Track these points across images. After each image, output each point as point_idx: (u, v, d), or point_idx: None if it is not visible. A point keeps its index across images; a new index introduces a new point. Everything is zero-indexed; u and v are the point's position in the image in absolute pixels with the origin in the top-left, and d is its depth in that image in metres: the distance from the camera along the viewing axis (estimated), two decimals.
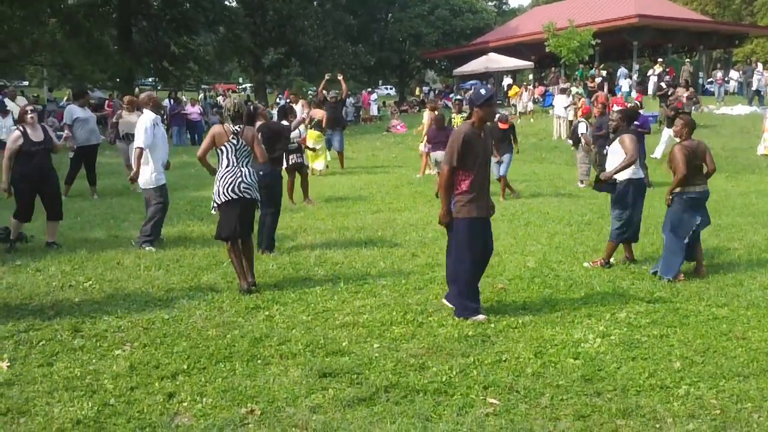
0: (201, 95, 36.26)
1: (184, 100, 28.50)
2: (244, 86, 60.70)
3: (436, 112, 14.77)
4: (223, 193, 6.39)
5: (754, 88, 27.90)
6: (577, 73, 30.06)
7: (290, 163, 11.25)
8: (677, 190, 6.91)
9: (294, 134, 11.18)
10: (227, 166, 6.45)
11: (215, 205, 6.52)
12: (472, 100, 5.65)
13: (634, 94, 25.49)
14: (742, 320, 5.67)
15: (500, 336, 5.29)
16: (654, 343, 5.12)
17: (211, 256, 7.85)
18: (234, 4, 38.40)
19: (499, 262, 7.60)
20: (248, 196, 6.49)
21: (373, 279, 6.90)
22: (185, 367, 4.65)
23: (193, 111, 25.66)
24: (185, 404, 4.10)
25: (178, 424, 3.87)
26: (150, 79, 45.60)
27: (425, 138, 14.46)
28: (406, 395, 4.22)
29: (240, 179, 6.42)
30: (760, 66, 29.90)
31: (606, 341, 5.15)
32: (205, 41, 37.30)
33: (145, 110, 8.45)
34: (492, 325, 5.50)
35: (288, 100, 25.58)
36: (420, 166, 15.73)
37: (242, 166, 6.49)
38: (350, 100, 29.93)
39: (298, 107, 15.78)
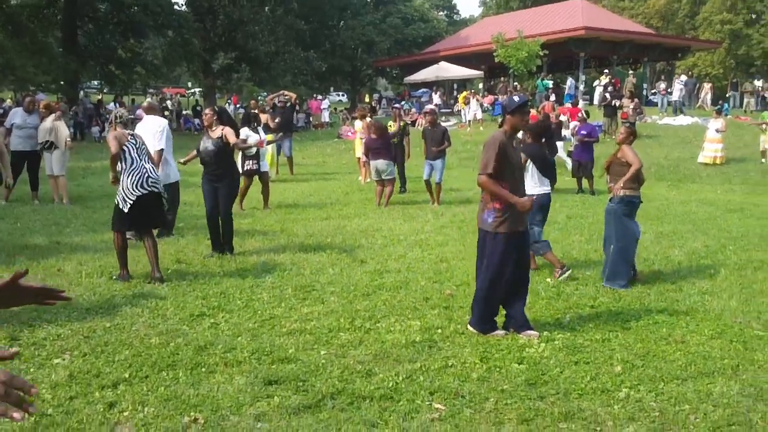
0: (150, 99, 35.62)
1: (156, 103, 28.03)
2: (192, 91, 59.90)
3: (368, 119, 14.96)
4: (134, 188, 6.72)
5: (674, 98, 28.70)
6: (537, 83, 30.52)
7: (245, 169, 11.23)
8: (626, 192, 7.03)
9: (252, 139, 11.19)
10: (130, 165, 6.81)
11: (130, 201, 6.72)
12: (505, 107, 5.46)
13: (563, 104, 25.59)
14: (681, 325, 5.83)
15: (447, 341, 5.33)
16: (596, 348, 5.23)
17: None
18: (184, 8, 37.87)
19: (448, 268, 7.66)
20: (156, 190, 6.89)
21: (321, 286, 6.88)
22: (127, 375, 4.55)
23: (143, 115, 25.20)
24: (126, 414, 4.01)
25: None
26: (96, 83, 44.67)
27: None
28: (353, 402, 4.21)
29: (146, 174, 6.83)
30: (683, 77, 30.72)
31: (550, 346, 5.23)
32: (153, 45, 36.68)
33: (154, 116, 9.39)
34: (439, 331, 5.54)
35: (245, 107, 25.37)
36: (360, 172, 15.73)
37: (145, 163, 6.91)
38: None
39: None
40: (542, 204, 7.35)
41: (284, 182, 15.76)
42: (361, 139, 14.88)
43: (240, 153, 11.27)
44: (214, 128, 7.88)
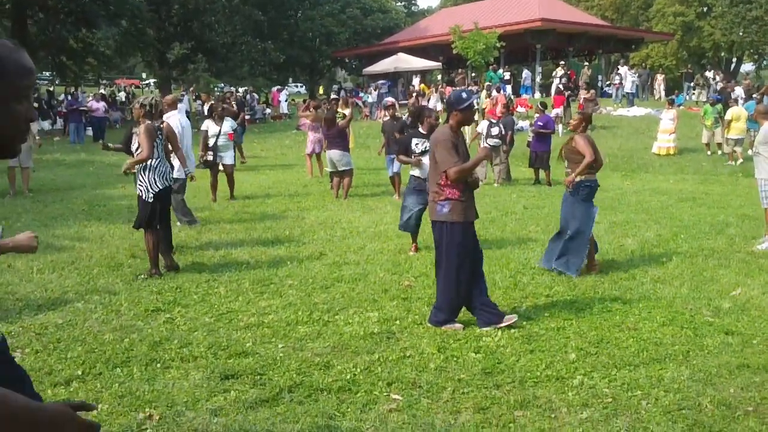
0: (104, 90, 34.87)
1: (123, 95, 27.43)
2: (147, 82, 58.85)
3: (318, 111, 15.01)
4: (157, 182, 6.75)
5: (627, 90, 29.24)
6: (486, 75, 30.69)
7: (201, 160, 11.25)
8: (580, 178, 7.11)
9: (225, 128, 11.51)
10: (156, 158, 6.78)
11: (152, 193, 6.71)
12: (452, 103, 5.53)
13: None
14: (634, 312, 5.95)
15: (405, 332, 5.35)
16: (551, 336, 5.30)
17: (109, 257, 7.58)
18: None
19: (406, 259, 7.69)
20: (170, 185, 7.04)
21: (279, 279, 6.84)
22: (80, 372, 4.47)
23: (98, 107, 24.72)
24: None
25: None
26: (47, 74, 43.58)
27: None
28: (310, 394, 4.20)
29: (168, 169, 6.95)
30: (625, 68, 31.18)
31: (506, 335, 5.28)
32: (106, 35, 35.86)
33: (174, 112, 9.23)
34: (397, 322, 5.56)
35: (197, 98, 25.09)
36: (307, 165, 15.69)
37: (164, 157, 7.01)
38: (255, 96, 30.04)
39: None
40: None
41: (240, 172, 15.58)
42: (304, 130, 15.25)
43: (201, 143, 11.31)
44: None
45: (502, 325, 5.39)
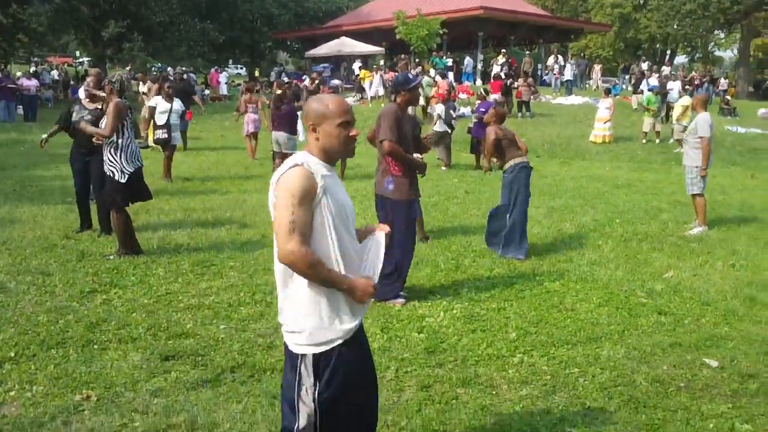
0: (35, 68, 33.45)
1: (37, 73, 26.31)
2: (81, 60, 56.90)
3: (254, 93, 15.09)
4: (130, 161, 6.56)
5: (566, 78, 29.85)
6: (431, 60, 30.77)
7: (155, 138, 11.07)
8: (516, 161, 7.25)
9: (176, 106, 11.56)
10: (127, 138, 6.57)
11: (128, 172, 6.52)
12: (400, 83, 5.79)
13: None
14: (572, 293, 6.10)
15: None
16: (492, 316, 5.39)
17: (42, 238, 7.32)
18: None
19: None
20: (142, 164, 6.82)
21: (220, 260, 6.74)
22: (12, 354, 4.32)
23: (30, 85, 23.78)
24: (12, 393, 3.82)
25: (5, 413, 3.60)
26: None
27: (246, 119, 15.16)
28: (253, 374, 4.17)
29: (137, 148, 6.75)
30: (560, 58, 31.84)
31: (449, 315, 5.35)
32: (38, 11, 34.43)
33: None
34: None
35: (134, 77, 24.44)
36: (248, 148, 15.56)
37: (134, 137, 6.80)
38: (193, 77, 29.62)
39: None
40: None
41: (179, 153, 15.26)
42: (243, 114, 15.37)
43: (151, 122, 11.10)
44: (95, 100, 7.41)
45: (390, 302, 5.58)
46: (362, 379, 2.71)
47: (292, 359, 2.60)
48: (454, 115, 14.69)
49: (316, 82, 23.53)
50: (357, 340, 2.66)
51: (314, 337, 2.54)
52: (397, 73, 28.65)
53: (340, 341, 2.57)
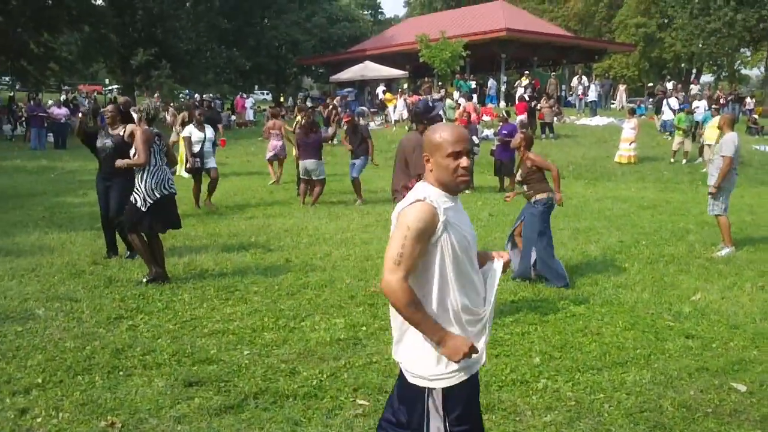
0: (65, 96, 34.20)
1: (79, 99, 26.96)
2: (110, 88, 58.02)
3: (278, 119, 15.30)
4: (156, 190, 6.66)
5: (591, 99, 29.71)
6: (455, 83, 30.86)
7: (187, 166, 11.26)
8: (549, 195, 7.15)
9: (209, 134, 11.63)
10: (154, 165, 6.68)
11: (150, 201, 6.61)
12: (421, 113, 5.95)
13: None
14: (597, 317, 6.03)
15: (371, 338, 5.35)
16: (516, 341, 5.35)
17: (71, 264, 7.44)
18: (100, 2, 36.60)
19: (372, 266, 7.69)
20: (174, 192, 6.90)
21: (244, 285, 6.79)
22: (40, 381, 4.38)
23: (61, 113, 24.31)
24: (39, 420, 3.87)
25: None
26: (6, 78, 42.72)
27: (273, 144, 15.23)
28: (276, 401, 4.18)
29: (168, 176, 6.84)
30: (584, 78, 31.68)
31: None
32: (69, 40, 35.29)
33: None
34: (364, 328, 5.55)
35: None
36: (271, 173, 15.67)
37: (164, 165, 6.86)
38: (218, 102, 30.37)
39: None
40: None
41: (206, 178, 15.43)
42: (267, 139, 15.47)
43: (186, 150, 11.31)
44: (115, 126, 7.62)
45: None
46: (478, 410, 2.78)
47: (411, 391, 2.60)
48: (476, 141, 14.71)
49: (329, 107, 23.79)
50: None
51: (441, 370, 2.55)
52: (420, 98, 28.92)
53: (465, 376, 2.58)
